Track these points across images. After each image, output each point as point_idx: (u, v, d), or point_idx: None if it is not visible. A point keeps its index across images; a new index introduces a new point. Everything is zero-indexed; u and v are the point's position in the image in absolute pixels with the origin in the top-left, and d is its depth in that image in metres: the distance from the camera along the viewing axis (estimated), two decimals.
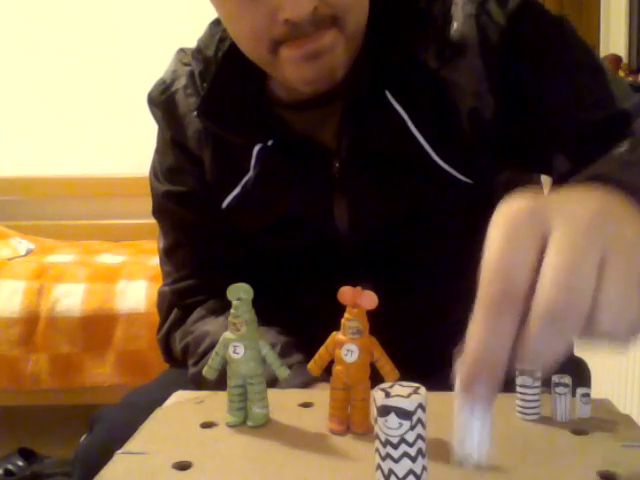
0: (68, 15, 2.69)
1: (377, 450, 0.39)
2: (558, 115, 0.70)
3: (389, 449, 0.38)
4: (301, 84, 0.71)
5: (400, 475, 0.38)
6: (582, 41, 0.73)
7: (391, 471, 0.38)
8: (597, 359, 0.93)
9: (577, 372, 0.86)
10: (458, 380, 0.36)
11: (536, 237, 0.36)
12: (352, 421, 0.51)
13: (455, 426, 0.37)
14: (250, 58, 0.73)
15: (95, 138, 2.73)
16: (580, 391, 0.52)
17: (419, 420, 0.38)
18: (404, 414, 0.37)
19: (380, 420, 0.38)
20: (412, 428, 0.38)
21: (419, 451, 0.38)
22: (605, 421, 0.52)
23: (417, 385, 0.39)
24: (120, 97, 2.62)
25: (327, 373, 0.53)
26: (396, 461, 0.38)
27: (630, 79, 2.58)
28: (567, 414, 0.51)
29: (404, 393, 0.38)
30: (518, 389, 0.52)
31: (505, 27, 0.72)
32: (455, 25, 0.73)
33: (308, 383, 0.68)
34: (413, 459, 0.38)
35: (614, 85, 0.70)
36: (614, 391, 1.47)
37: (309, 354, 0.70)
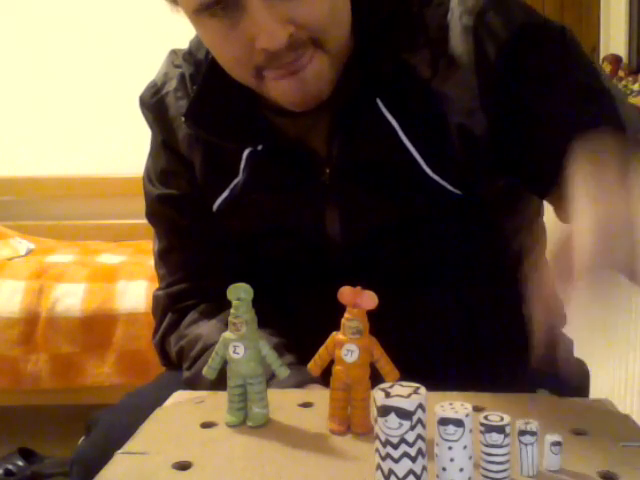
0: (67, 16, 2.69)
1: (377, 450, 0.39)
2: (560, 142, 0.68)
3: (389, 449, 0.38)
4: (289, 106, 0.71)
5: (400, 475, 0.38)
6: (590, 62, 0.71)
7: (391, 471, 0.38)
8: (597, 360, 0.93)
9: (577, 373, 0.86)
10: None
11: None
12: (352, 421, 0.51)
13: (436, 453, 0.39)
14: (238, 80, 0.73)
15: (95, 138, 2.72)
16: (549, 438, 0.45)
17: (419, 420, 0.38)
18: (404, 414, 0.37)
19: (380, 420, 0.38)
20: (412, 428, 0.38)
21: (419, 451, 0.38)
22: (605, 421, 0.52)
23: (417, 385, 0.39)
24: (120, 97, 2.61)
25: (326, 373, 0.53)
26: (396, 461, 0.38)
27: (630, 79, 2.58)
28: (535, 467, 0.44)
29: (404, 393, 0.38)
30: (484, 449, 0.42)
31: (505, 42, 0.69)
32: (451, 35, 0.71)
33: (300, 383, 0.67)
34: (413, 459, 0.38)
35: (622, 111, 0.67)
36: (614, 391, 1.47)
37: (301, 357, 0.70)
